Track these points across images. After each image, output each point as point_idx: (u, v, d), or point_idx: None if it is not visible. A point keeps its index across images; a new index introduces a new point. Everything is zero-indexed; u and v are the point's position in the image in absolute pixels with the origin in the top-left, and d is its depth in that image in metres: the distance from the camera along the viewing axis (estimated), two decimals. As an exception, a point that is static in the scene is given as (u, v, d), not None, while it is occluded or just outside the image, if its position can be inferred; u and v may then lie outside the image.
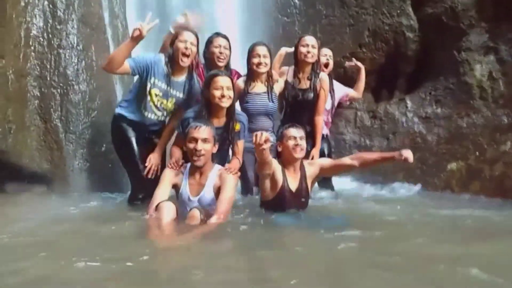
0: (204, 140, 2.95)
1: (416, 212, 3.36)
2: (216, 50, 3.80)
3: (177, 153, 3.26)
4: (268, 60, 3.77)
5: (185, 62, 3.43)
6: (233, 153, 3.47)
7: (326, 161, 3.47)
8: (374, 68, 5.72)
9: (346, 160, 3.32)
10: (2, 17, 3.82)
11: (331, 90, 4.38)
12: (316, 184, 3.59)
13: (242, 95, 3.79)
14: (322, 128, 4.10)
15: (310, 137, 3.85)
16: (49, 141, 3.83)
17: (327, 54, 4.51)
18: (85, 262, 1.85)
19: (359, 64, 4.83)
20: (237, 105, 3.65)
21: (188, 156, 3.02)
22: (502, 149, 4.54)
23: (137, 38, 3.21)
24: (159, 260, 2.09)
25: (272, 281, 1.77)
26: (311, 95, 3.96)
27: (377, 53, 5.75)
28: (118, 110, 3.58)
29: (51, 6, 4.08)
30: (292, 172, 3.21)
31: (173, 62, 3.45)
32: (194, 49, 3.47)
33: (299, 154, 3.18)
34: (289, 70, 4.08)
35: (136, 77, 3.54)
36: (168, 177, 3.05)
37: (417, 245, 2.33)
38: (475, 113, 5.00)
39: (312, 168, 3.30)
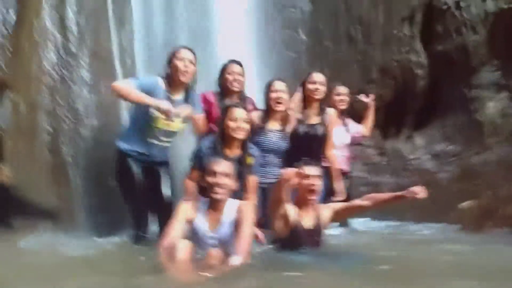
0: (226, 175, 3.00)
1: (429, 250, 3.47)
2: (230, 77, 4.00)
3: (192, 187, 3.38)
4: (286, 96, 3.91)
5: (185, 79, 3.59)
6: (244, 188, 3.48)
7: (339, 205, 3.59)
8: (381, 104, 5.94)
9: (359, 202, 3.45)
10: (16, 50, 4.02)
11: (346, 125, 4.58)
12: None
13: (255, 130, 3.89)
14: (339, 162, 4.27)
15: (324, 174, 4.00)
16: (58, 176, 3.96)
17: (341, 94, 4.73)
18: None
19: (371, 100, 5.02)
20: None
21: (207, 189, 3.03)
22: (515, 188, 4.69)
23: (165, 113, 3.40)
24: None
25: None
26: (322, 129, 4.12)
27: (385, 90, 5.99)
28: (121, 145, 3.65)
29: (64, 40, 4.29)
30: (306, 210, 3.32)
31: (171, 81, 3.60)
32: (193, 66, 3.62)
33: (315, 194, 3.29)
34: (296, 109, 4.21)
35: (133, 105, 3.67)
36: (184, 211, 3.02)
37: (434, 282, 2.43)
38: (487, 151, 5.19)
39: (326, 211, 3.41)
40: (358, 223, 4.83)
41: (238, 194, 3.54)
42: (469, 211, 4.90)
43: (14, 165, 3.83)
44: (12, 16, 4.06)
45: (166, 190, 3.77)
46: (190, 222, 3.06)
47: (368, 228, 4.84)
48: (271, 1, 6.37)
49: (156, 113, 3.51)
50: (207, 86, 4.23)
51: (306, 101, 4.17)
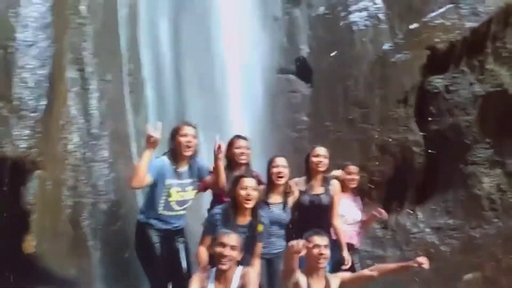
0: (232, 247, 3.40)
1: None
2: (237, 151, 4.49)
3: (205, 257, 3.76)
4: (286, 171, 4.35)
5: (188, 153, 4.06)
6: (252, 254, 3.85)
7: (347, 274, 3.91)
8: (383, 180, 6.45)
9: (366, 272, 3.79)
10: (45, 133, 4.67)
11: (357, 201, 5.00)
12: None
13: (259, 203, 4.17)
14: (345, 234, 4.62)
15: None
16: (78, 247, 4.44)
17: (352, 172, 5.08)
18: None
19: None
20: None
21: (215, 259, 3.45)
22: (517, 259, 5.04)
23: (154, 144, 3.83)
24: None
25: None
26: (327, 199, 4.52)
27: (385, 166, 6.51)
28: (141, 218, 4.11)
29: (87, 124, 5.00)
30: (316, 278, 3.60)
31: (175, 155, 4.07)
32: (195, 140, 4.10)
33: (323, 263, 3.60)
34: (301, 181, 4.64)
35: None
36: (196, 283, 3.44)
37: None
38: (487, 224, 5.62)
39: (335, 280, 3.70)
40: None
41: (246, 259, 3.89)
42: (474, 283, 5.23)
43: (39, 237, 4.33)
44: (43, 104, 4.76)
45: (182, 261, 4.16)
46: None
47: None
48: (274, 86, 7.18)
49: (171, 189, 4.03)
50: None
51: (310, 174, 4.60)
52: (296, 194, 4.56)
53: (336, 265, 4.40)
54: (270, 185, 4.39)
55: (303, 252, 3.30)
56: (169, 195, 4.06)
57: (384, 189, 6.49)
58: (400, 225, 6.18)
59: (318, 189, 4.59)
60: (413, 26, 6.67)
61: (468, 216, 5.84)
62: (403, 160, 6.53)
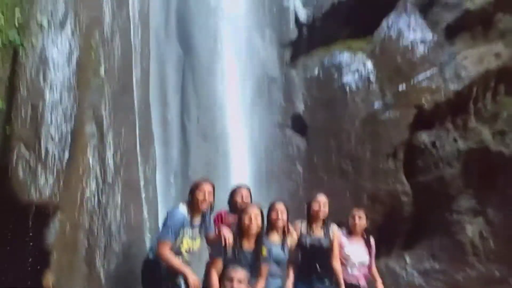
0: (239, 281, 3.83)
1: None
2: (239, 200, 5.15)
3: (216, 283, 4.26)
4: (285, 216, 4.92)
5: (205, 208, 4.59)
6: (257, 276, 4.40)
7: None
8: (373, 227, 7.03)
9: None
10: (67, 181, 5.34)
11: (367, 246, 5.48)
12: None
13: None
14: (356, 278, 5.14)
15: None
16: (92, 285, 5.04)
17: (356, 215, 5.52)
18: None
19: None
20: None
21: None
22: (497, 300, 5.56)
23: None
24: None
25: None
26: (327, 241, 5.07)
27: (376, 214, 7.13)
28: (150, 255, 4.63)
29: (102, 173, 5.70)
30: None
31: (193, 208, 4.58)
32: (211, 196, 4.57)
33: None
34: (302, 224, 5.21)
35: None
36: None
37: None
38: (470, 268, 6.21)
39: None
40: None
41: (252, 281, 4.43)
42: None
43: (57, 274, 4.91)
44: (66, 155, 5.48)
45: None
46: None
47: None
48: (270, 138, 7.95)
49: (184, 237, 4.55)
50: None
51: (311, 218, 5.18)
52: (295, 236, 5.13)
53: None
54: (269, 227, 4.96)
55: None
56: (181, 243, 4.58)
57: (375, 235, 7.06)
58: (389, 269, 6.74)
59: (318, 232, 5.15)
60: (401, 87, 7.50)
61: (452, 261, 6.44)
62: (392, 209, 7.17)
